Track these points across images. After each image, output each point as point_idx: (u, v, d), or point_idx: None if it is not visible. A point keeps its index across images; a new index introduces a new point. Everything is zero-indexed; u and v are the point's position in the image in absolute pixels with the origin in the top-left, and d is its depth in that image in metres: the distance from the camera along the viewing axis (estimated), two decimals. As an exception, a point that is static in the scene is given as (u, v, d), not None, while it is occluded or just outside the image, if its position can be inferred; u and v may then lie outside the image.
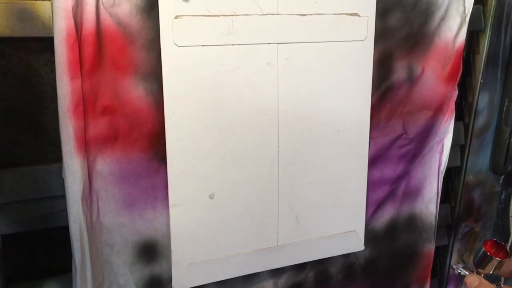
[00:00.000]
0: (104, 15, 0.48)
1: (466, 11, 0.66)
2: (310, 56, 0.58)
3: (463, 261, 0.62)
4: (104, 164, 0.52)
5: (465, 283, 0.59)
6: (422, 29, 0.65)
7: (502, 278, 0.63)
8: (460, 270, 0.61)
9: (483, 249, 0.59)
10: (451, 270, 0.64)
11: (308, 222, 0.64)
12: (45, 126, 0.53)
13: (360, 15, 0.59)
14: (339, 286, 0.72)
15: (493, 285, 0.57)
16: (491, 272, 0.58)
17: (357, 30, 0.59)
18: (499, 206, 0.88)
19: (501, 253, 0.58)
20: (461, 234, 0.83)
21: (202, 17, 0.51)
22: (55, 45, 0.46)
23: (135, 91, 0.52)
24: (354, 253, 0.71)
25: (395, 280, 0.77)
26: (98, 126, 0.51)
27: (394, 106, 0.66)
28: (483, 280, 0.57)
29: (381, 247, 0.73)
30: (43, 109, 0.52)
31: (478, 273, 0.59)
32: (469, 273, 0.60)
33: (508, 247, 0.59)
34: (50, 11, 0.47)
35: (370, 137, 0.65)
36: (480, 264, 0.59)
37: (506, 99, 0.77)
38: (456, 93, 0.70)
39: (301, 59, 0.57)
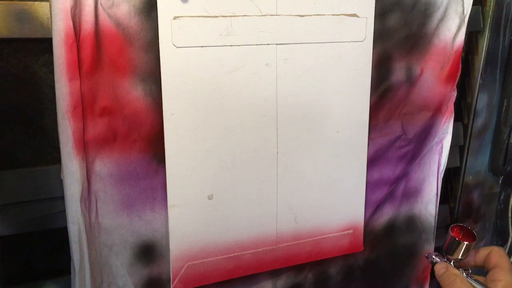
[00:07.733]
0: (102, 16, 0.48)
1: (465, 12, 0.66)
2: (309, 57, 0.58)
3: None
4: (103, 165, 0.52)
5: (434, 271, 0.61)
6: (421, 30, 0.65)
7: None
8: (433, 258, 0.63)
9: (451, 234, 0.60)
10: (424, 258, 0.68)
11: (307, 223, 0.64)
12: (44, 128, 0.52)
13: (359, 15, 0.59)
14: (339, 287, 0.72)
15: (459, 271, 0.58)
16: (459, 257, 0.59)
17: (356, 31, 0.59)
18: (498, 207, 0.88)
19: (469, 238, 0.59)
20: (460, 235, 0.83)
21: (201, 18, 0.51)
22: (53, 46, 0.46)
23: (134, 92, 0.52)
24: (354, 254, 0.71)
25: (394, 281, 0.77)
26: (96, 127, 0.50)
27: (393, 107, 0.66)
28: (451, 267, 0.59)
29: (380, 248, 0.73)
30: (42, 110, 0.52)
31: (449, 260, 0.61)
32: (440, 261, 0.61)
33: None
34: (49, 12, 0.47)
35: (369, 138, 0.65)
36: (448, 250, 0.60)
37: (505, 100, 0.77)
38: (455, 94, 0.70)
39: (300, 60, 0.57)
